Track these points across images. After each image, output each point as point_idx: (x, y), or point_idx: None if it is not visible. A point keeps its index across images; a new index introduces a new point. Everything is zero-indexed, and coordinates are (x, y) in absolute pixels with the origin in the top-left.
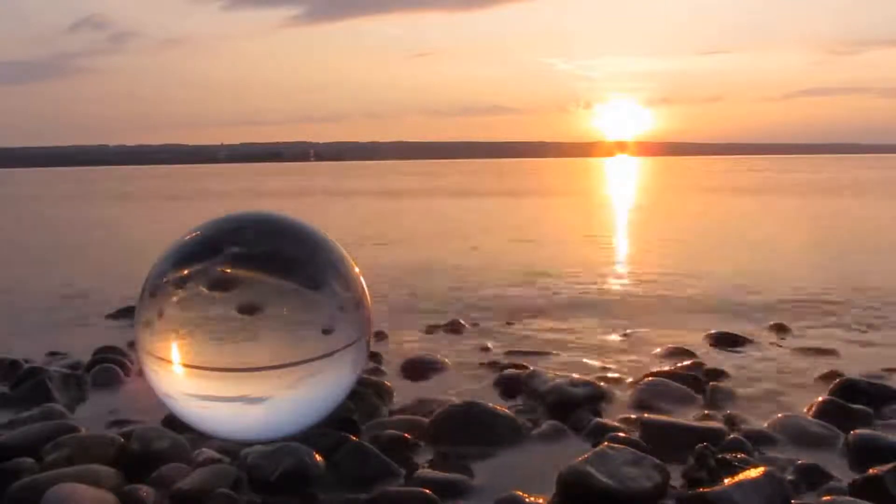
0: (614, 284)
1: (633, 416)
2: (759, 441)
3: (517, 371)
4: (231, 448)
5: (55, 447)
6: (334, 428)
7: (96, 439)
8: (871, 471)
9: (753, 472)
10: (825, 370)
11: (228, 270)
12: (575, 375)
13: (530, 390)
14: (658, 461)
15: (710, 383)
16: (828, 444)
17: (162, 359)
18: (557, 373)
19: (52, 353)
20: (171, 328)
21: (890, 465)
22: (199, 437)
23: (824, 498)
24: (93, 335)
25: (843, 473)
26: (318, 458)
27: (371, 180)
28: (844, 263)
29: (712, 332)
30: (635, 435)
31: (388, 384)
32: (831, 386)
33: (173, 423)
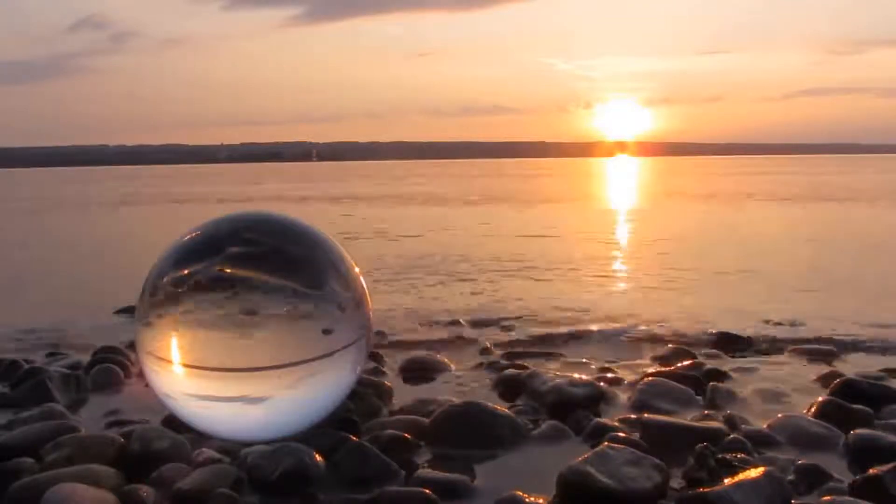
0: (614, 284)
1: (633, 417)
2: (759, 441)
3: (517, 371)
4: (231, 448)
5: (55, 447)
6: (334, 428)
7: (96, 439)
8: (871, 471)
9: (753, 472)
10: (825, 370)
11: (228, 270)
12: (575, 376)
13: (530, 390)
14: (658, 461)
15: (710, 383)
16: (828, 444)
17: (162, 359)
18: (557, 373)
19: (52, 353)
20: (171, 328)
21: (890, 465)
22: (199, 437)
23: (824, 498)
24: (93, 335)
25: (843, 473)
26: (318, 458)
27: (321, 185)
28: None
29: (713, 332)
30: (635, 435)
31: (388, 384)
32: (831, 386)
33: (173, 423)
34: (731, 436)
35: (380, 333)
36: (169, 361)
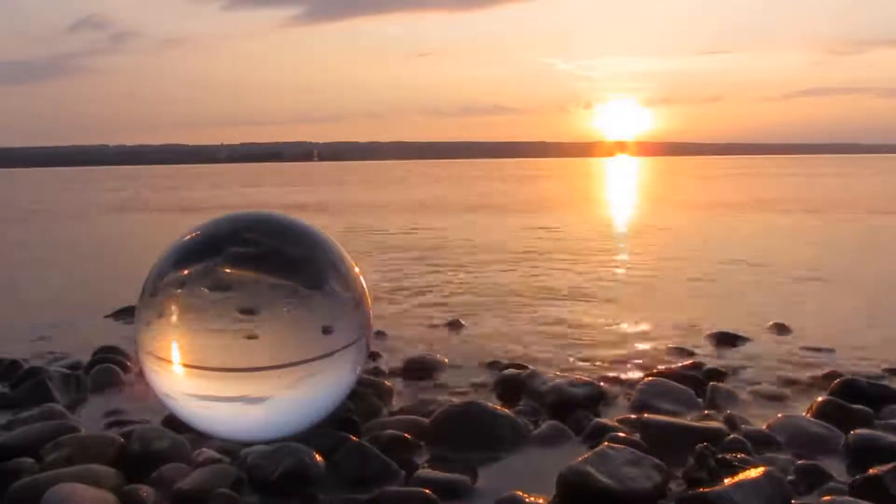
0: (615, 285)
1: (633, 417)
2: (759, 441)
3: (517, 371)
4: (231, 448)
5: (55, 447)
6: (334, 428)
7: (96, 439)
8: (871, 471)
9: (753, 472)
10: (825, 370)
11: (228, 270)
12: (575, 376)
13: (530, 390)
14: (658, 461)
15: (710, 383)
16: (828, 444)
17: (162, 359)
18: (557, 373)
19: (52, 353)
20: (171, 328)
21: (890, 465)
22: (199, 437)
23: (824, 498)
24: (93, 335)
25: (842, 473)
26: (318, 458)
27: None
28: None
29: (713, 331)
30: (635, 435)
31: (388, 384)
32: (831, 386)
33: (173, 423)
34: (731, 436)
35: (380, 333)
36: (169, 361)
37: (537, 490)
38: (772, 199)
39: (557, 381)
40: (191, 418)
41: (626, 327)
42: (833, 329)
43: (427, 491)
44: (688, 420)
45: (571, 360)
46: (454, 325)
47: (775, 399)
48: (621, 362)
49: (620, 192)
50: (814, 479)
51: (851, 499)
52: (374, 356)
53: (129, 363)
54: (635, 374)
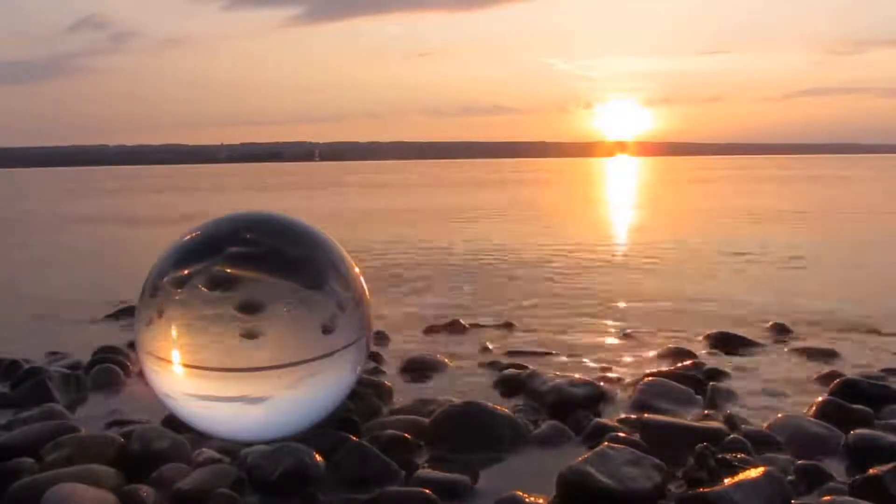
0: (615, 285)
1: (633, 417)
2: (759, 441)
3: (517, 371)
4: (231, 448)
5: (55, 447)
6: (334, 428)
7: (96, 439)
8: (871, 471)
9: (753, 473)
10: (825, 370)
11: (228, 270)
12: (575, 375)
13: (530, 390)
14: (658, 461)
15: (710, 383)
16: (828, 444)
17: (162, 359)
18: (557, 373)
19: (52, 353)
20: (171, 328)
21: (890, 465)
22: (199, 437)
23: (824, 498)
24: (93, 335)
25: (842, 473)
26: (318, 458)
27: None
28: None
29: (713, 332)
30: (635, 435)
31: (388, 384)
32: (831, 386)
33: (173, 423)
34: (731, 436)
35: (380, 333)
36: (169, 361)
37: (537, 490)
38: (783, 202)
39: (557, 380)
40: (191, 418)
41: (625, 327)
42: (833, 329)
43: (427, 491)
44: (688, 420)
45: (571, 360)
46: (454, 325)
47: (775, 399)
48: (621, 362)
49: (620, 195)
50: (814, 479)
51: (851, 499)
52: (374, 356)
53: (129, 363)
54: (635, 375)
